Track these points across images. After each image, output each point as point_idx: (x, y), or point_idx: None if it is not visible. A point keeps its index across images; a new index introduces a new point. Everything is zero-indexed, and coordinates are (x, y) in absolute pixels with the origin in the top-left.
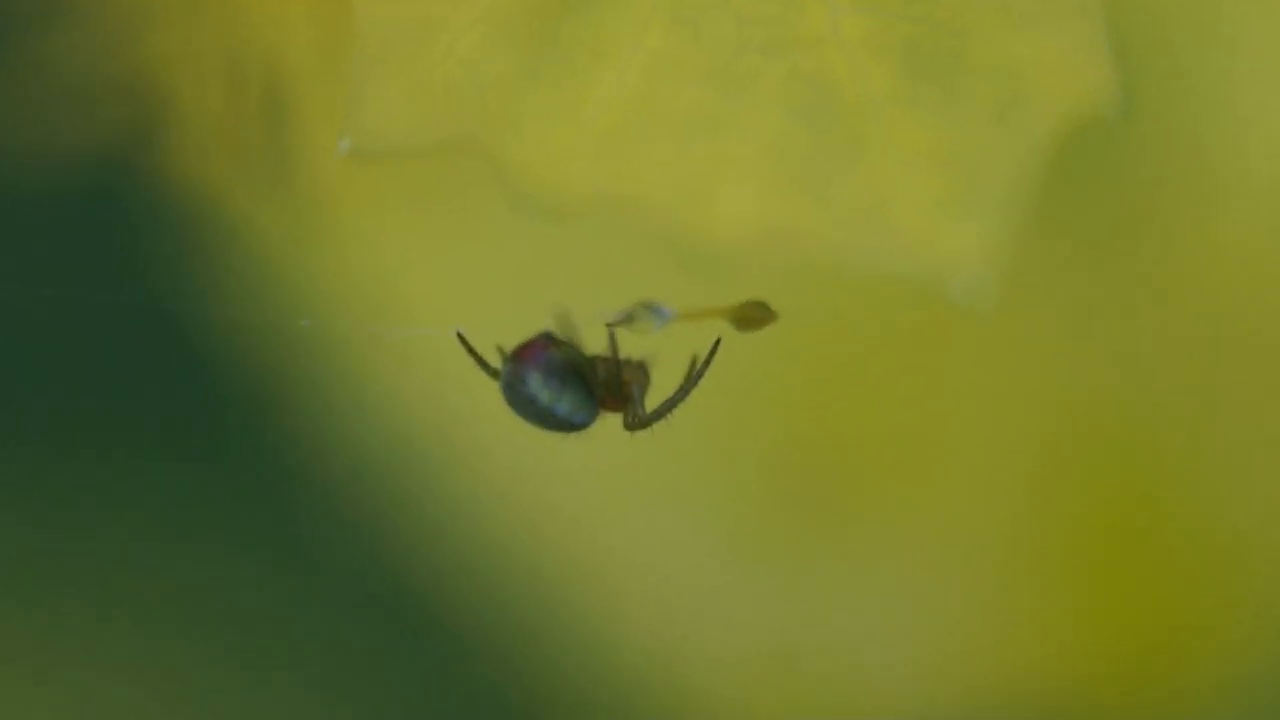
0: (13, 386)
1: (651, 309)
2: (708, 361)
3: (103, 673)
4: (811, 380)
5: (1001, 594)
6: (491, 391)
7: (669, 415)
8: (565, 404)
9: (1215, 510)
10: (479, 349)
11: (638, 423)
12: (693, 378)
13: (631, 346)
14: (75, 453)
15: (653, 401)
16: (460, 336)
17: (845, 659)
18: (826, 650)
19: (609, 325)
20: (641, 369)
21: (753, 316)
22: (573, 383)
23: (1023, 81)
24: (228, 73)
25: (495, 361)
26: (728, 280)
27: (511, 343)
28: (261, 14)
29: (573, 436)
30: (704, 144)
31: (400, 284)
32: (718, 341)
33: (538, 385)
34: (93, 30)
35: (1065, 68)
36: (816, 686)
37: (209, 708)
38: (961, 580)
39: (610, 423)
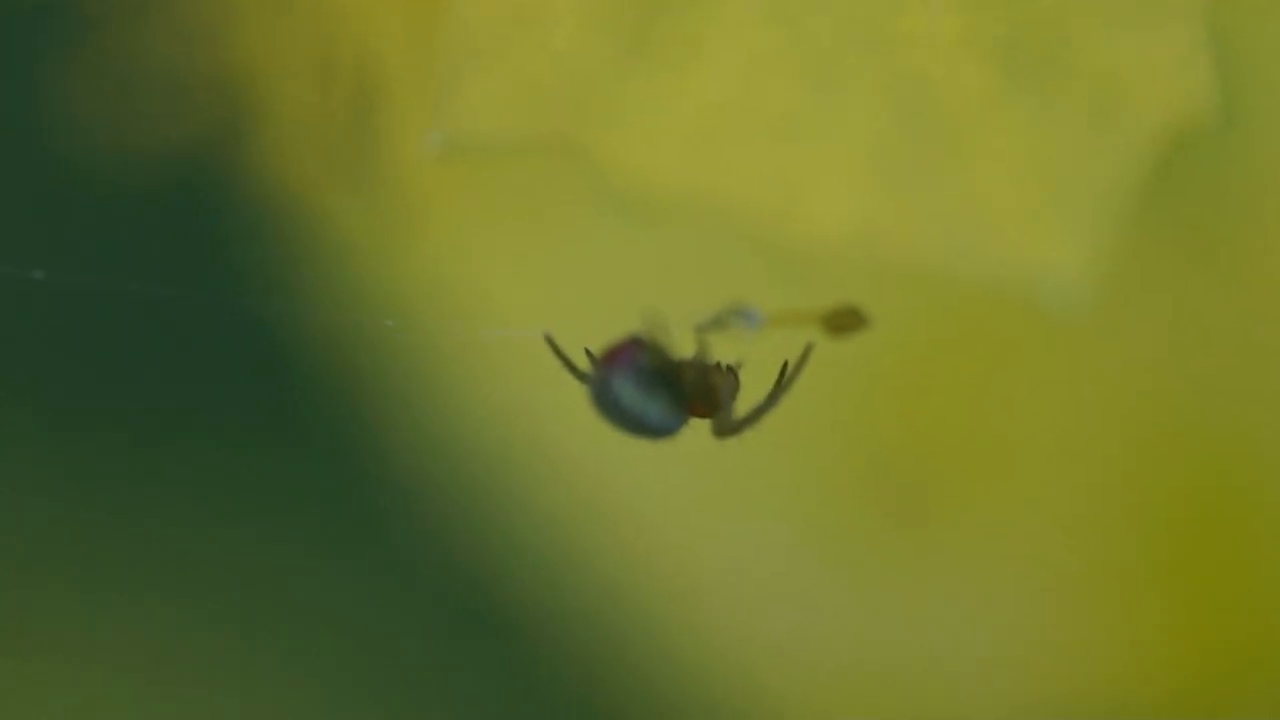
0: (95, 381)
1: (742, 313)
2: (798, 368)
3: (180, 667)
4: (903, 387)
5: (1092, 606)
6: (580, 394)
7: (758, 422)
8: (654, 410)
9: None
10: (567, 351)
11: (727, 430)
12: (783, 384)
13: (722, 351)
14: (156, 451)
15: (742, 407)
16: (548, 339)
17: (928, 670)
18: (909, 661)
19: (699, 329)
20: (731, 374)
21: (845, 323)
22: (661, 388)
23: (1122, 86)
24: (318, 68)
25: (584, 364)
26: (820, 284)
27: (600, 345)
28: (352, 7)
29: (661, 442)
30: (799, 144)
31: (488, 284)
32: (809, 348)
33: (626, 390)
34: (182, 24)
35: (1166, 72)
36: (898, 696)
37: (283, 706)
38: (1051, 591)
39: (699, 428)
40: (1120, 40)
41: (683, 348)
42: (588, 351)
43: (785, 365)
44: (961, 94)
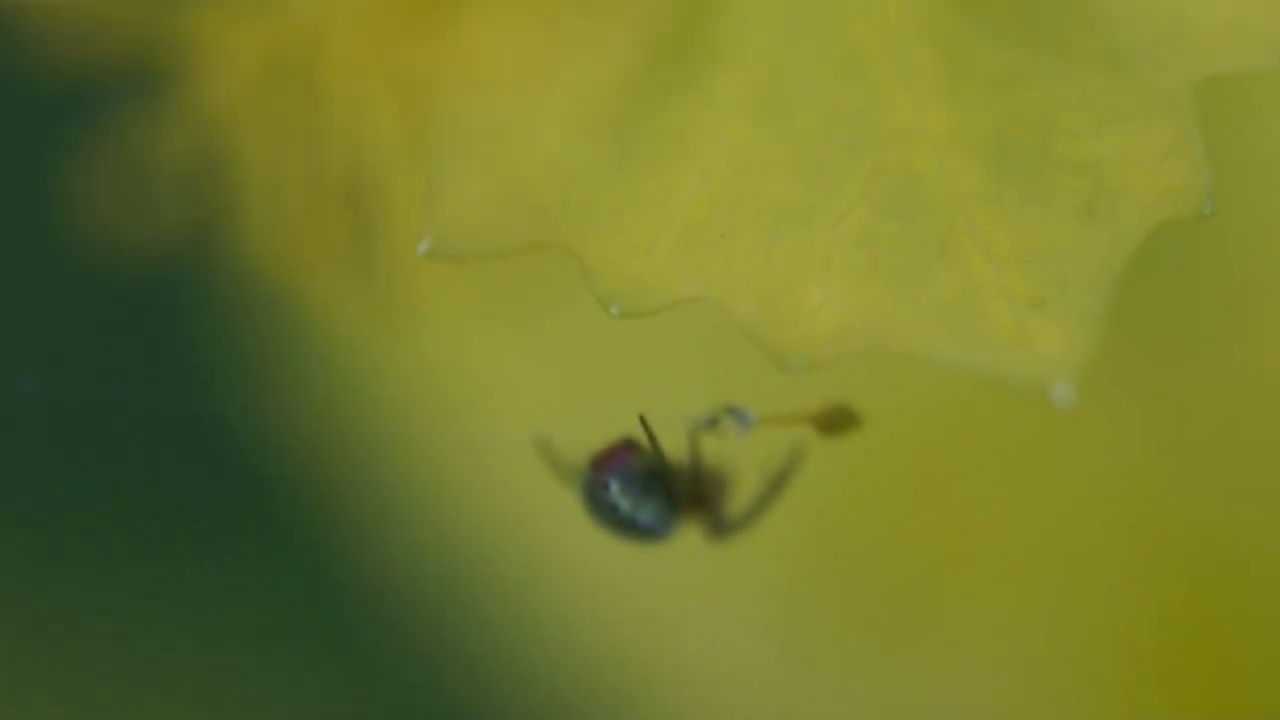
0: (76, 487)
1: (734, 413)
2: (790, 469)
3: None
4: (892, 483)
5: (1081, 697)
6: (570, 495)
7: (751, 524)
8: (646, 513)
9: None
10: (560, 451)
11: (719, 532)
12: (774, 486)
13: (713, 450)
14: (138, 559)
15: (735, 509)
16: (539, 440)
17: None
18: None
19: (691, 430)
20: (723, 477)
21: (837, 422)
22: (654, 491)
23: (1110, 178)
24: (309, 166)
25: (576, 465)
26: (812, 378)
27: (593, 445)
28: (344, 109)
29: (652, 545)
30: (790, 238)
31: (480, 383)
32: (799, 452)
33: (618, 493)
34: (175, 117)
35: (1154, 165)
36: None
37: None
38: (1039, 684)
39: (690, 529)
40: (1108, 132)
41: (675, 448)
42: (580, 454)
43: (777, 466)
44: (951, 187)
